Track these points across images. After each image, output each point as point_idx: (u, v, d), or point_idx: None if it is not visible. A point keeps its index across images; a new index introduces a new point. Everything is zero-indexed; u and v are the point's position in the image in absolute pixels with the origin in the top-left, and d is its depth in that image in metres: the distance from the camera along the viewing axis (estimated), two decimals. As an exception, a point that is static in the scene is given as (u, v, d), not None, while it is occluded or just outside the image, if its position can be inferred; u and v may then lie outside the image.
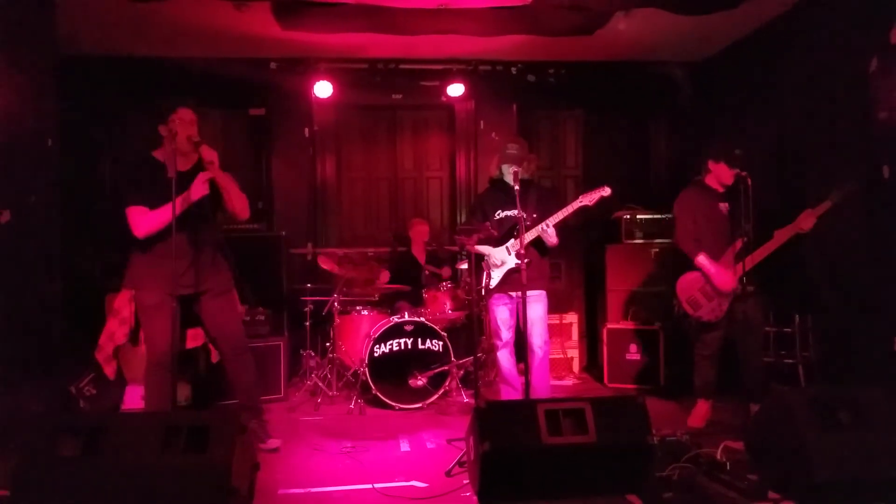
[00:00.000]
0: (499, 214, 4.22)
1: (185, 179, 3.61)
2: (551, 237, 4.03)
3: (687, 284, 4.34)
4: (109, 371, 4.57)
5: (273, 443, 3.91)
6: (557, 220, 4.00)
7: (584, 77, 6.47)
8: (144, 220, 3.52)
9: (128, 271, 3.71)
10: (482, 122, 6.61)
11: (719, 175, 4.28)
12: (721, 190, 4.30)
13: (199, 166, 3.71)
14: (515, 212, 3.91)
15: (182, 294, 3.59)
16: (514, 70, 6.45)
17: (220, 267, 3.86)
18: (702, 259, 4.24)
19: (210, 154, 3.60)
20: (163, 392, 3.57)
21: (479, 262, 4.27)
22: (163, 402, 3.57)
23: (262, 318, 5.24)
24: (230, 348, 3.83)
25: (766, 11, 5.08)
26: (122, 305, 4.28)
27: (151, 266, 3.60)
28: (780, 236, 4.05)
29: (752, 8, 4.90)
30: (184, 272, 3.62)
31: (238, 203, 3.77)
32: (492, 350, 4.93)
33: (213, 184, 3.70)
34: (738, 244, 4.08)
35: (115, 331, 4.45)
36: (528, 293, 4.06)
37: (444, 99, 6.39)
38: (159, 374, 3.59)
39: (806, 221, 3.98)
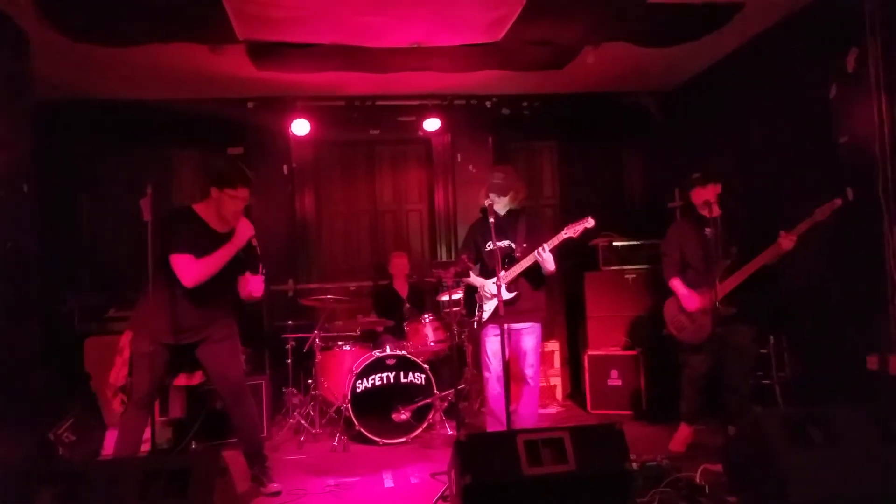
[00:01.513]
0: (489, 246, 4.22)
1: (221, 240, 3.65)
2: (549, 263, 3.97)
3: (672, 308, 4.46)
4: (116, 405, 4.51)
5: (273, 487, 3.87)
6: (552, 247, 3.96)
7: (557, 109, 6.61)
8: (194, 269, 3.52)
9: (133, 313, 3.72)
10: (459, 155, 6.70)
11: (698, 200, 4.38)
12: (709, 215, 4.37)
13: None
14: (505, 243, 3.95)
15: (182, 343, 3.64)
16: (488, 104, 6.59)
17: (227, 316, 3.86)
18: (674, 283, 4.44)
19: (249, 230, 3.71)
20: (137, 433, 3.59)
21: (472, 295, 4.30)
22: (135, 443, 3.58)
23: (244, 356, 5.20)
24: (229, 393, 3.80)
25: (729, 42, 5.24)
26: (125, 346, 4.27)
27: (157, 314, 3.56)
28: (761, 259, 4.12)
29: (714, 39, 5.07)
30: (192, 325, 3.66)
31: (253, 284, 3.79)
32: (476, 380, 4.95)
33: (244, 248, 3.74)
34: (724, 265, 4.16)
35: (119, 370, 4.40)
36: (522, 325, 4.11)
37: (420, 133, 6.49)
38: (138, 415, 3.59)
39: (786, 242, 4.03)
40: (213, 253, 3.56)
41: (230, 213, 3.66)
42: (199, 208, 3.71)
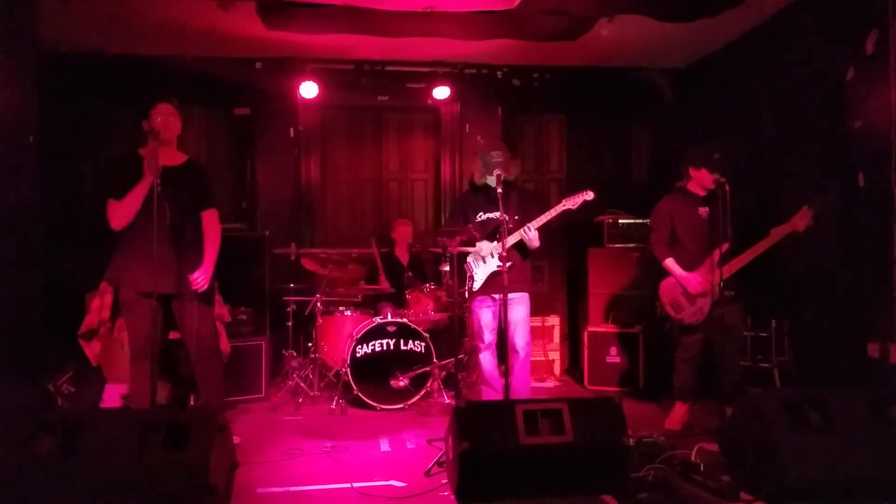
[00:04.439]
0: (480, 216, 4.25)
1: (172, 175, 3.67)
2: (533, 241, 4.06)
3: (670, 287, 4.40)
4: (90, 354, 4.55)
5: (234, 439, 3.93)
6: (540, 224, 4.03)
7: (568, 82, 6.52)
8: (116, 211, 3.60)
9: (109, 266, 3.76)
10: (467, 126, 6.64)
11: (701, 180, 4.34)
12: (703, 194, 4.35)
13: (189, 164, 3.87)
14: (497, 214, 3.94)
15: (161, 293, 3.62)
16: (499, 74, 6.47)
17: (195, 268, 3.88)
18: (669, 262, 4.37)
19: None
20: (145, 383, 3.61)
21: (462, 265, 4.29)
22: (145, 393, 3.60)
23: (245, 317, 5.24)
24: (199, 350, 3.90)
25: (748, 20, 5.15)
26: (105, 292, 4.35)
27: (130, 263, 3.65)
28: (775, 234, 4.10)
29: (733, 16, 4.97)
30: (163, 271, 3.61)
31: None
32: (474, 351, 4.95)
33: (194, 182, 3.85)
34: (724, 248, 4.14)
35: (93, 315, 4.45)
36: (511, 295, 4.09)
37: (429, 101, 6.42)
38: (142, 365, 3.64)
39: (801, 221, 4.03)
40: (131, 192, 3.60)
41: (161, 129, 3.68)
42: (143, 150, 3.73)
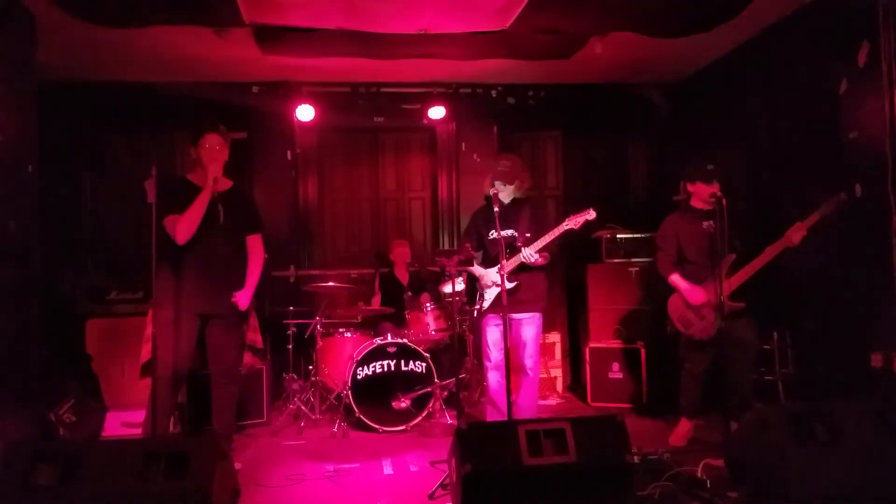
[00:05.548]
0: (492, 234, 4.22)
1: (221, 199, 3.82)
2: (536, 260, 4.02)
3: (678, 304, 4.36)
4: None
5: (235, 465, 3.91)
6: (544, 244, 3.99)
7: (562, 99, 6.57)
8: (181, 223, 3.66)
9: (156, 290, 3.75)
10: (463, 144, 6.66)
11: (700, 194, 4.33)
12: (706, 208, 4.32)
13: (236, 188, 3.98)
14: (509, 232, 3.93)
15: (200, 312, 3.76)
16: (493, 93, 6.54)
17: (236, 290, 3.93)
18: (674, 277, 4.34)
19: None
20: (168, 408, 3.75)
21: (473, 283, 4.28)
22: (165, 419, 3.71)
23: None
24: (218, 374, 3.94)
25: (740, 34, 5.19)
26: (149, 323, 4.29)
27: (182, 284, 3.73)
28: (771, 251, 4.09)
29: (725, 31, 5.01)
30: (200, 289, 3.75)
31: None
32: (476, 370, 4.93)
33: (242, 206, 3.98)
34: (731, 259, 4.13)
35: (143, 347, 4.38)
36: (523, 315, 4.10)
37: (425, 121, 6.45)
38: (167, 390, 3.68)
39: (795, 235, 3.99)
40: (191, 209, 3.68)
41: (207, 163, 3.76)
42: (192, 176, 3.87)
